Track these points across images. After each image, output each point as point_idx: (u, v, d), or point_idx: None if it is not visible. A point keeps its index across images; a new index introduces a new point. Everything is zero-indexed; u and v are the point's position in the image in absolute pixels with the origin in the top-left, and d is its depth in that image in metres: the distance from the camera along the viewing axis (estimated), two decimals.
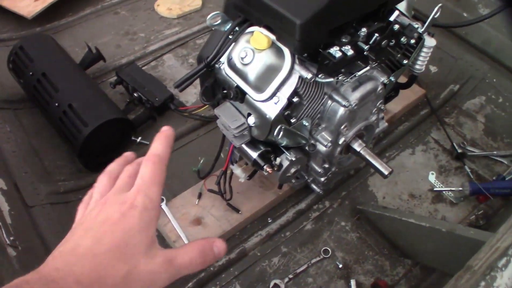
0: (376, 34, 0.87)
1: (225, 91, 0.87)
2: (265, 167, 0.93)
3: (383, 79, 0.96)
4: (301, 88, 0.85)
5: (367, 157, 1.00)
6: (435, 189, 1.27)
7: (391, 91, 1.17)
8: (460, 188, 1.25)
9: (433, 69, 1.60)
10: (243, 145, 0.93)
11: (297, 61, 0.83)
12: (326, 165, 1.05)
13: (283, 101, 0.83)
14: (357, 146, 1.01)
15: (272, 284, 1.05)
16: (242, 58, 0.85)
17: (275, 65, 0.82)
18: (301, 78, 0.82)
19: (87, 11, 1.84)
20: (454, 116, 1.48)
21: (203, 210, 1.12)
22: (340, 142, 0.97)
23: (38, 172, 1.26)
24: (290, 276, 1.07)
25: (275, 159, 0.95)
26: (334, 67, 0.83)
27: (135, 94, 1.40)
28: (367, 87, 0.93)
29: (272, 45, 0.83)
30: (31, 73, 1.34)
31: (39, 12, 1.71)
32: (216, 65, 0.90)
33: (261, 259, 1.10)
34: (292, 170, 0.99)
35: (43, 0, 1.76)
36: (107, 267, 0.44)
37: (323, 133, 0.95)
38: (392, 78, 1.03)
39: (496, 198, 1.25)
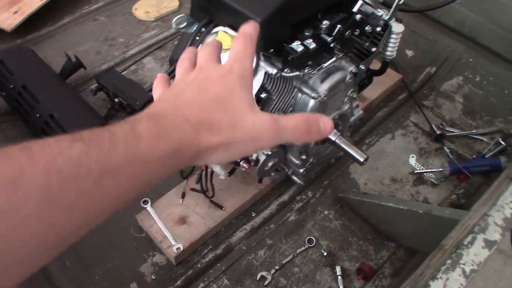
0: (339, 26, 0.89)
1: None
2: (241, 163, 0.95)
3: (351, 68, 0.98)
4: (268, 84, 0.87)
5: (342, 145, 1.01)
6: (416, 171, 1.29)
7: (365, 79, 1.19)
8: (440, 169, 1.27)
9: (409, 53, 1.62)
10: None
11: (262, 57, 0.85)
12: (304, 157, 1.07)
13: None
14: (332, 135, 1.03)
15: (259, 276, 1.07)
16: None
17: None
18: (267, 74, 0.84)
19: (66, 19, 1.85)
20: (432, 98, 1.50)
21: (187, 209, 1.14)
22: None
23: None
24: (276, 267, 1.09)
25: (251, 155, 0.97)
26: (298, 61, 0.85)
27: (116, 100, 1.41)
28: (335, 77, 0.95)
29: None
30: (12, 86, 1.35)
31: (19, 24, 1.72)
32: None
33: (247, 253, 1.12)
34: (270, 164, 1.01)
35: (21, 12, 1.77)
36: (214, 113, 0.43)
37: None
38: (362, 67, 1.04)
39: (476, 176, 1.27)
